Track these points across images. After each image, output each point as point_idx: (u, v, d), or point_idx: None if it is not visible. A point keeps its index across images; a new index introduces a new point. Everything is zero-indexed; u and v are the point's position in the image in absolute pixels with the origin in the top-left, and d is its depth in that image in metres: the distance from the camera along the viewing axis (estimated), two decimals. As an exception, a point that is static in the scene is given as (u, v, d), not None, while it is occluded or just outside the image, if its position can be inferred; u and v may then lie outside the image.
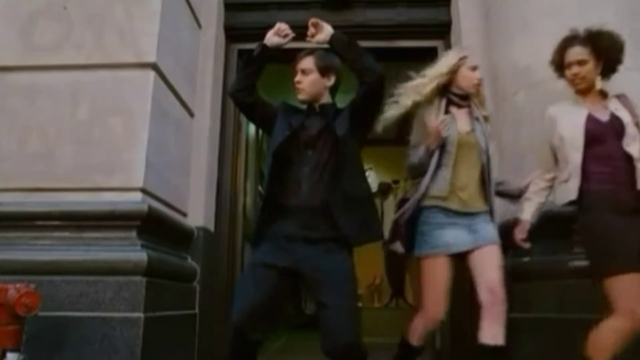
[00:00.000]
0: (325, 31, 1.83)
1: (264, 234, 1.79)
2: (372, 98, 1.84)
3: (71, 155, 2.43)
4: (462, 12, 3.29)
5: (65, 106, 2.49)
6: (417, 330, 2.10)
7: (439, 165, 2.04)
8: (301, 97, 1.88)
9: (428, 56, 3.57)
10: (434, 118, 2.05)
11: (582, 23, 2.50)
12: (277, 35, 1.88)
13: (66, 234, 2.33)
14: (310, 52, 1.89)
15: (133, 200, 2.36)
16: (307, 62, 1.87)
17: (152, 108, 2.50)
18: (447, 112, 2.11)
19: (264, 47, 1.88)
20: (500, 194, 2.28)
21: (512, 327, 2.41)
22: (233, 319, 1.63)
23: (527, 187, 2.18)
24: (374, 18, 3.48)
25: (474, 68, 2.16)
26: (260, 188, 4.68)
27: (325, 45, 1.87)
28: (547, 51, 2.55)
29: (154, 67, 2.55)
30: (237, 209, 3.47)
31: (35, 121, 2.48)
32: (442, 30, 3.47)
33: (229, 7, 3.54)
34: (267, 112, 1.91)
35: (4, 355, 1.78)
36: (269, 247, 1.76)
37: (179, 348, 2.65)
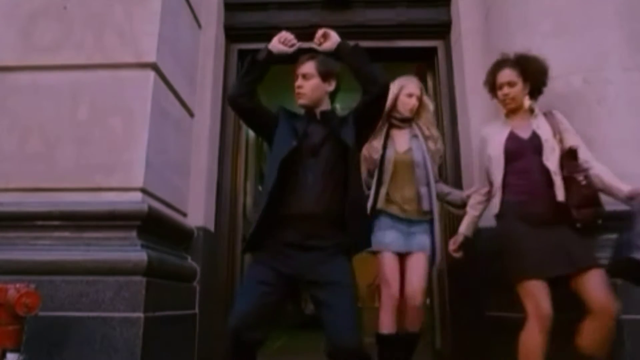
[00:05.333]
0: (332, 39, 1.84)
1: (264, 240, 1.78)
2: (376, 107, 1.84)
3: (71, 155, 2.43)
4: (462, 12, 3.29)
5: (65, 106, 2.49)
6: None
7: (379, 183, 2.39)
8: (302, 101, 1.87)
9: (428, 56, 3.60)
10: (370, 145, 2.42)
11: (583, 23, 2.52)
12: (282, 43, 1.87)
13: (66, 234, 2.33)
14: (311, 57, 1.88)
15: (133, 200, 2.36)
16: (309, 67, 1.86)
17: (152, 108, 2.50)
18: (387, 134, 2.47)
19: (269, 53, 1.86)
20: (447, 203, 2.63)
21: (512, 328, 2.41)
22: (229, 323, 1.63)
23: (468, 197, 2.46)
24: (374, 18, 3.48)
25: (410, 95, 2.48)
26: (260, 188, 4.68)
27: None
28: (547, 51, 2.57)
29: (154, 67, 2.55)
30: (237, 209, 3.47)
31: (36, 121, 2.48)
32: (442, 30, 3.47)
33: (229, 7, 3.54)
34: (266, 118, 1.89)
35: (4, 355, 1.78)
36: (270, 252, 1.75)
37: (179, 348, 2.65)
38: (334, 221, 1.75)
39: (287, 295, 1.81)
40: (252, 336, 1.64)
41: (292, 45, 1.88)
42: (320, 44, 1.86)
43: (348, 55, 1.81)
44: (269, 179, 1.77)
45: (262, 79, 1.89)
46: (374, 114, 1.86)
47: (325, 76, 1.87)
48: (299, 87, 1.86)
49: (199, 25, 3.30)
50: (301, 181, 1.76)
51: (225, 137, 3.39)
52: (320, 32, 1.87)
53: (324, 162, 1.78)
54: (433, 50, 3.53)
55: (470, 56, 3.19)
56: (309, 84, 1.85)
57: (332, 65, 1.88)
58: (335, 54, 1.84)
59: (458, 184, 3.15)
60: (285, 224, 1.74)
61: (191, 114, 3.13)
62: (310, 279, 1.70)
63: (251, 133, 4.11)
